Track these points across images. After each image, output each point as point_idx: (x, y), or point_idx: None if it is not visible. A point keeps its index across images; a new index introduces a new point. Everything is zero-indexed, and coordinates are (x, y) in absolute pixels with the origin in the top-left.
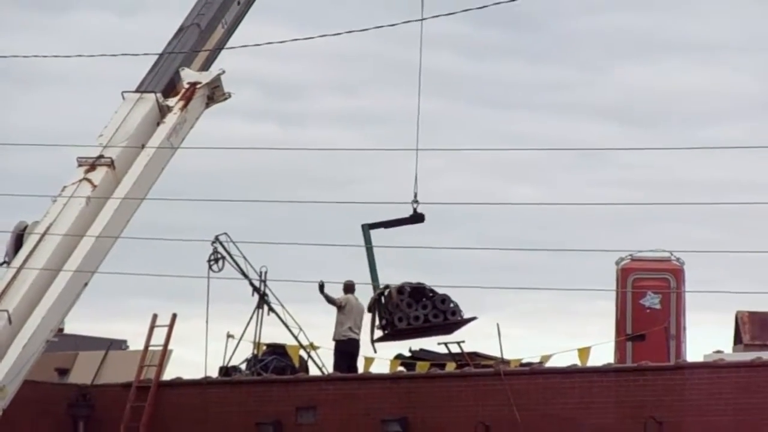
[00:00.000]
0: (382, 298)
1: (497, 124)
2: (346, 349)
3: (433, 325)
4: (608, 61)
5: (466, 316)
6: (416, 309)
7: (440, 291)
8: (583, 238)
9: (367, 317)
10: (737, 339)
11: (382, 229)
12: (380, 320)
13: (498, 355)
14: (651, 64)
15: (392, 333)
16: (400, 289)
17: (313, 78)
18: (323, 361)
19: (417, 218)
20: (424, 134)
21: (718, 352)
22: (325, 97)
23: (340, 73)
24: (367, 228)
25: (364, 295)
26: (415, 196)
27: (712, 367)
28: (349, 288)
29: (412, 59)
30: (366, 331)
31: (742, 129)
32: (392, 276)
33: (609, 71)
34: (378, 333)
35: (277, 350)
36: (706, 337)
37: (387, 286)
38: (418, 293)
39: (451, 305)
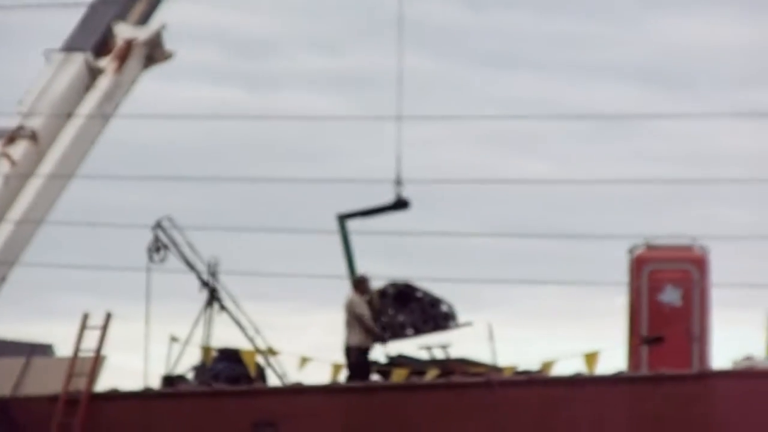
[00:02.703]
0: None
1: (501, 88)
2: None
3: (423, 335)
4: (637, 12)
5: (461, 320)
6: (402, 316)
7: (431, 287)
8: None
9: (323, 318)
10: None
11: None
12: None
13: (490, 361)
14: (689, 16)
15: (374, 340)
16: (382, 292)
17: (286, 32)
18: (284, 369)
19: (400, 205)
20: (415, 99)
21: (750, 357)
22: (300, 56)
23: (320, 28)
24: (342, 219)
25: (321, 291)
26: (398, 178)
27: (743, 376)
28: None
29: (406, 11)
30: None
31: None
32: (374, 269)
33: (637, 24)
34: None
35: (230, 356)
36: (736, 339)
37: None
38: (404, 296)
39: (443, 308)
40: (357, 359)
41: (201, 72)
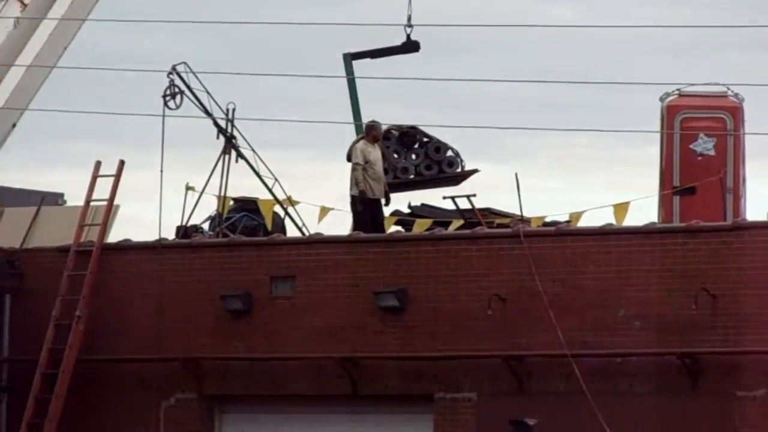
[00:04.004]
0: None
1: None
2: None
3: (426, 179)
4: None
5: (468, 167)
6: (404, 159)
7: (439, 136)
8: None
9: (346, 167)
10: None
11: (369, 60)
12: None
13: (517, 212)
14: None
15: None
16: (386, 134)
17: None
18: (303, 220)
19: (411, 47)
20: None
21: None
22: None
23: None
24: (349, 58)
25: (344, 138)
26: (409, 18)
27: None
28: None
29: None
30: (345, 184)
31: None
32: (382, 116)
33: None
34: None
35: (248, 206)
36: None
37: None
38: (408, 139)
39: (448, 154)
40: (362, 208)
41: None
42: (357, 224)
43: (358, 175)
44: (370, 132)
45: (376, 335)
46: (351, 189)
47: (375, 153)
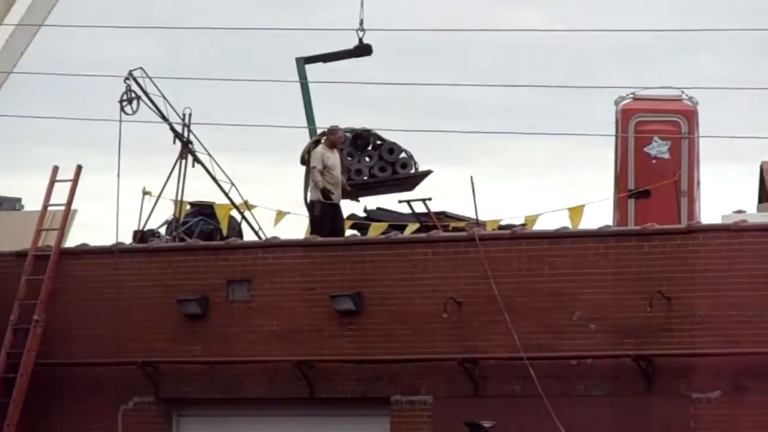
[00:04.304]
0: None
1: None
2: None
3: (380, 180)
4: None
5: (420, 168)
6: (358, 161)
7: (393, 139)
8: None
9: (300, 171)
10: (762, 196)
11: (321, 64)
12: None
13: (472, 216)
14: None
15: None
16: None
17: None
18: (260, 224)
19: (363, 50)
20: None
21: (740, 212)
22: None
23: None
24: (302, 62)
25: (300, 142)
26: (361, 22)
27: (732, 231)
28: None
29: None
30: (300, 187)
31: None
32: (336, 120)
33: None
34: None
35: (204, 210)
36: (725, 194)
37: (323, 133)
38: (362, 141)
39: (402, 156)
40: (319, 213)
41: None
42: (315, 228)
43: (317, 178)
44: (328, 137)
45: (333, 338)
46: (309, 193)
47: (333, 158)
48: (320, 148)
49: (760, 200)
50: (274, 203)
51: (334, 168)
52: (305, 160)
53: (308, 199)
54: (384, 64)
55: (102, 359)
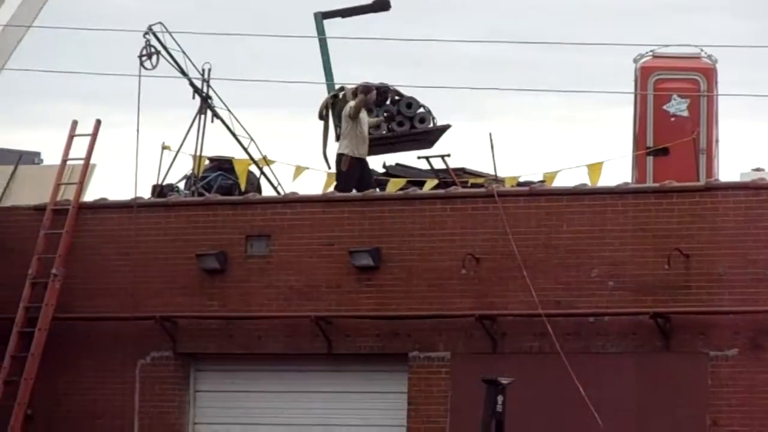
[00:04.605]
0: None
1: None
2: None
3: (399, 135)
4: None
5: (439, 123)
6: (376, 115)
7: (410, 93)
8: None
9: (318, 126)
10: None
11: (339, 19)
12: (335, 129)
13: (491, 172)
14: None
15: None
16: (355, 93)
17: None
18: (279, 179)
19: (382, 5)
20: None
21: (758, 170)
22: None
23: None
24: (320, 17)
25: (319, 96)
26: None
27: (751, 188)
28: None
29: None
30: (318, 142)
31: None
32: (354, 75)
33: None
34: (333, 144)
35: (223, 165)
36: (744, 151)
37: (342, 88)
38: (380, 96)
39: (420, 110)
40: (348, 167)
41: None
42: (342, 182)
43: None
44: (365, 95)
45: (351, 294)
46: (339, 146)
47: (363, 114)
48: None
49: None
50: (293, 158)
51: (364, 124)
52: (323, 115)
53: (338, 152)
54: (402, 19)
55: (120, 314)
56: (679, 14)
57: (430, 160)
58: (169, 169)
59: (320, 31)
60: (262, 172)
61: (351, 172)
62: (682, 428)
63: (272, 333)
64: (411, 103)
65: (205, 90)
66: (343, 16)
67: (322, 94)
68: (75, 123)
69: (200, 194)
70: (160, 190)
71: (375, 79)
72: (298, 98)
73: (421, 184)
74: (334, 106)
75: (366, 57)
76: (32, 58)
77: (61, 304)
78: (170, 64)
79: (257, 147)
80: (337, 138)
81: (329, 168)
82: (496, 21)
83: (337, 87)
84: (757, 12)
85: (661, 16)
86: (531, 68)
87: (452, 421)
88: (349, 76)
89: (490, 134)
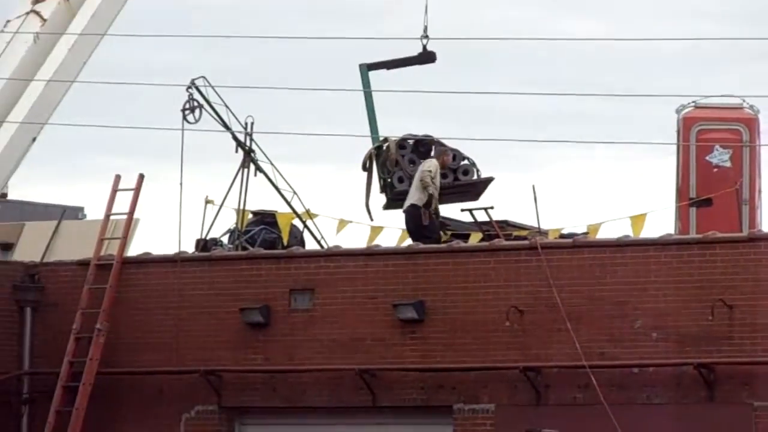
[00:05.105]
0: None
1: None
2: None
3: (443, 187)
4: None
5: (482, 175)
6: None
7: (469, 147)
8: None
9: (361, 177)
10: None
11: (384, 71)
12: (379, 181)
13: (534, 224)
14: None
15: (392, 197)
16: (402, 143)
17: None
18: (322, 233)
19: (427, 57)
20: None
21: None
22: None
23: None
24: (365, 69)
25: (363, 149)
26: (425, 30)
27: None
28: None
29: None
30: (361, 193)
31: None
32: (398, 127)
33: None
34: (377, 197)
35: (266, 219)
36: None
37: (386, 139)
38: (424, 147)
39: (464, 162)
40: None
41: None
42: (422, 235)
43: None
44: (441, 158)
45: (395, 347)
46: (416, 199)
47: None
48: (435, 162)
49: None
50: (336, 212)
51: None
52: (367, 166)
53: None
54: (446, 72)
55: (164, 368)
56: (731, 65)
57: (474, 212)
58: (212, 223)
59: (365, 82)
60: (306, 226)
61: (434, 222)
62: None
63: (316, 386)
64: (455, 155)
65: (248, 143)
66: (388, 68)
67: (366, 146)
68: (118, 177)
69: (244, 248)
70: (203, 244)
71: (419, 130)
72: (342, 150)
73: (465, 237)
74: (377, 157)
75: (411, 108)
76: (75, 112)
77: (106, 358)
78: (213, 117)
79: (300, 200)
80: (382, 190)
81: (372, 220)
82: (541, 73)
83: (381, 138)
84: None
85: (713, 67)
86: (576, 119)
87: None
88: (394, 128)
89: (533, 187)
